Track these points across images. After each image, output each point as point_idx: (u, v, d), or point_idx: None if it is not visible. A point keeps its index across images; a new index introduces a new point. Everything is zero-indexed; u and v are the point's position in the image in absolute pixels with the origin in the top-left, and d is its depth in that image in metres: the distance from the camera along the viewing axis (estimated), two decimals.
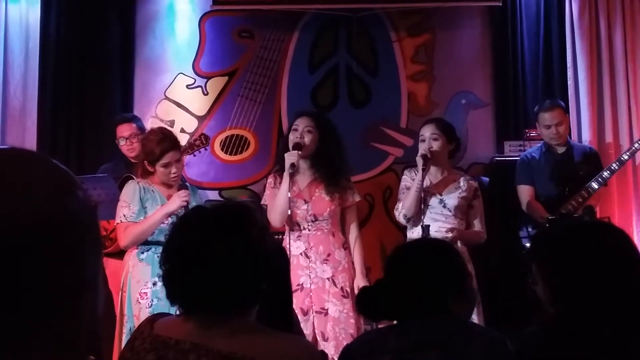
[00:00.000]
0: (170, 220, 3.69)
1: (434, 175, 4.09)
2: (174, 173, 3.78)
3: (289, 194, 3.75)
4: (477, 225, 4.06)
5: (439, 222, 3.96)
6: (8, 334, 0.74)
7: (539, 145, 4.77)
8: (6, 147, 0.84)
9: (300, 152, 3.82)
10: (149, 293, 3.67)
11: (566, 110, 4.83)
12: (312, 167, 3.92)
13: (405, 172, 4.19)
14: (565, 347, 1.84)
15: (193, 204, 3.76)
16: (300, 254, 3.79)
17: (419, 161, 3.94)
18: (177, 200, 3.69)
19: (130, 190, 3.81)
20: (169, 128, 4.58)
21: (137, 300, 3.69)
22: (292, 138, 3.88)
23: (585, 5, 5.42)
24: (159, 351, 1.58)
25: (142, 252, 3.77)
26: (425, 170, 3.93)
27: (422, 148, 4.00)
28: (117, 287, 4.27)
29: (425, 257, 2.13)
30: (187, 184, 4.01)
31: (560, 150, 4.67)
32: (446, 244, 2.38)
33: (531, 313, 2.18)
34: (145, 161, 3.82)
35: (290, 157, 3.79)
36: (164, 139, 3.79)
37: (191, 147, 4.35)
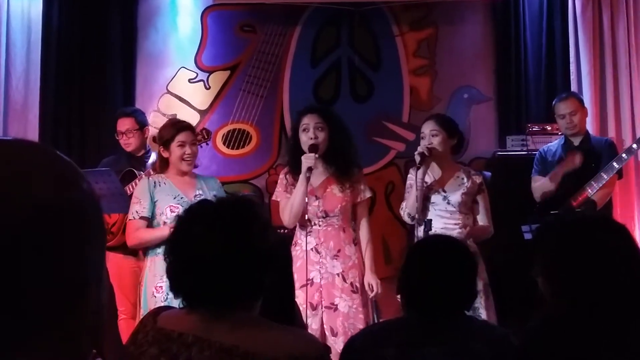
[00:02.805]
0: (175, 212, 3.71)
1: (437, 171, 4.06)
2: (189, 153, 3.80)
3: (306, 198, 3.71)
4: (483, 219, 4.03)
5: (444, 219, 3.93)
6: (11, 329, 0.73)
7: (560, 138, 4.77)
8: (9, 138, 0.83)
9: (317, 155, 3.76)
10: (164, 287, 3.66)
11: (582, 102, 4.80)
12: (325, 162, 3.87)
13: (411, 170, 4.14)
14: (568, 340, 1.84)
15: (213, 193, 3.77)
16: (311, 249, 3.77)
17: (416, 159, 3.91)
18: (167, 229, 3.66)
19: (141, 186, 3.86)
20: None
21: (153, 294, 3.69)
22: (306, 139, 3.79)
23: (588, 0, 5.41)
24: (161, 344, 1.58)
25: (160, 246, 3.78)
26: (420, 167, 3.89)
27: (421, 145, 3.98)
28: (117, 281, 4.29)
29: (447, 256, 2.14)
30: (199, 174, 4.01)
31: (576, 141, 4.65)
32: (462, 244, 2.39)
33: (534, 307, 2.18)
34: (161, 147, 3.86)
35: (308, 161, 3.71)
36: (178, 122, 4.02)
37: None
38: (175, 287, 1.64)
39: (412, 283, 2.14)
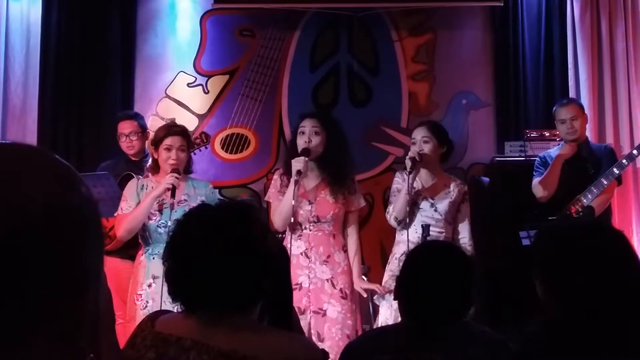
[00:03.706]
0: (162, 218, 3.70)
1: (425, 178, 4.05)
2: (173, 159, 3.77)
3: (293, 200, 3.71)
4: (464, 229, 4.01)
5: (429, 226, 3.93)
6: (9, 330, 0.73)
7: (559, 145, 4.77)
8: (8, 141, 0.84)
9: (307, 159, 3.76)
10: (143, 294, 3.68)
11: (583, 108, 4.79)
12: (319, 167, 3.87)
13: (397, 174, 4.13)
14: (567, 346, 1.84)
15: (201, 198, 3.76)
16: (301, 253, 3.77)
17: (407, 164, 3.90)
18: (163, 184, 3.71)
19: (129, 186, 3.90)
20: None
21: (134, 301, 3.70)
22: (301, 142, 3.81)
23: (586, 6, 5.42)
24: (159, 348, 1.58)
25: (143, 254, 3.79)
26: (412, 172, 3.88)
27: (412, 151, 3.98)
28: (114, 285, 4.28)
29: (444, 262, 2.14)
30: (192, 178, 4.00)
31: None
32: (459, 249, 2.38)
33: (532, 313, 2.18)
34: (152, 148, 3.88)
35: (297, 164, 3.71)
36: (171, 125, 3.94)
37: (191, 146, 4.35)
38: (174, 291, 1.64)
39: (409, 289, 2.14)
